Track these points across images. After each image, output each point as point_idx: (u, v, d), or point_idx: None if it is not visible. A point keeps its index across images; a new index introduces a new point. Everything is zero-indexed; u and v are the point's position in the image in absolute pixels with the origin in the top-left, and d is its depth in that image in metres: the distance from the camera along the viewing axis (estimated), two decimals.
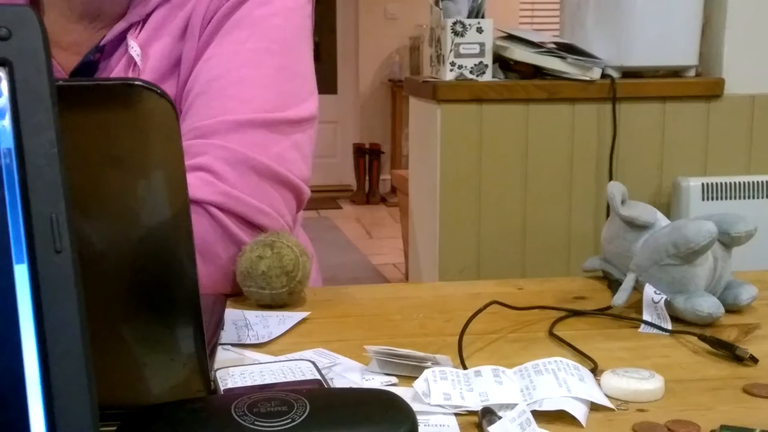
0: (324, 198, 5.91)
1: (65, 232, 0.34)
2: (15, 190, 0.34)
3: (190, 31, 0.83)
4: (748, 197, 2.13)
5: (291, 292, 0.75)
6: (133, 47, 0.82)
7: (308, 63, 0.88)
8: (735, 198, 2.12)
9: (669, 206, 2.14)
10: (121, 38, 0.84)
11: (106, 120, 0.43)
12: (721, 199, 2.11)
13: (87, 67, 0.84)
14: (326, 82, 6.07)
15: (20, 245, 0.34)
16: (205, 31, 0.83)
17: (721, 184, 2.11)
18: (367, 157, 6.10)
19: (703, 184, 2.10)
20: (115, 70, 0.83)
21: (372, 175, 6.12)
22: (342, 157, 6.36)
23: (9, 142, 0.34)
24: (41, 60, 0.35)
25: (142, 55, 0.82)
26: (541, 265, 2.12)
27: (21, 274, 0.33)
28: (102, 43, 0.84)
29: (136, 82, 0.42)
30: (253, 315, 0.72)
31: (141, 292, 0.48)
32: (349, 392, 0.54)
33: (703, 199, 2.10)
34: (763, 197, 2.13)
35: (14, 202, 0.34)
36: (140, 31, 0.83)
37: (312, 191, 0.86)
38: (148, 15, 0.83)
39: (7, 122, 0.34)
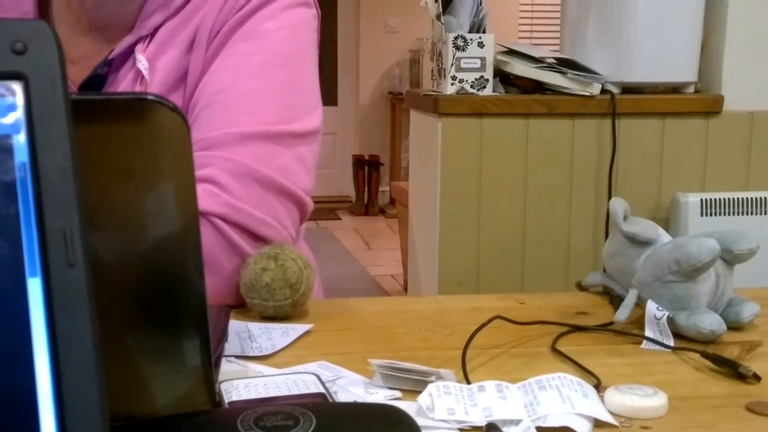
0: (323, 209, 5.91)
1: (78, 246, 0.34)
2: (29, 203, 0.34)
3: (197, 43, 0.84)
4: (747, 213, 2.13)
5: (294, 304, 0.75)
6: (141, 61, 0.82)
7: (313, 77, 0.89)
8: (733, 214, 2.12)
9: (667, 222, 2.15)
10: (129, 51, 0.84)
11: (118, 134, 0.43)
12: (720, 215, 2.11)
13: (95, 81, 0.85)
14: (327, 93, 6.03)
15: (33, 259, 0.34)
16: (212, 44, 0.83)
17: (720, 200, 2.12)
18: (366, 168, 6.11)
19: (701, 199, 2.11)
20: (123, 83, 0.84)
21: (371, 186, 6.12)
22: (341, 169, 6.37)
23: (24, 155, 0.34)
24: (56, 74, 0.35)
25: (150, 68, 0.83)
26: (540, 278, 2.12)
27: (34, 287, 0.33)
28: (110, 56, 0.84)
29: (148, 97, 0.43)
30: (256, 327, 0.72)
31: (149, 305, 0.48)
32: (354, 406, 0.54)
33: (701, 215, 2.11)
34: (761, 213, 2.13)
35: (28, 216, 0.34)
36: (148, 44, 0.84)
37: None
38: (156, 29, 0.84)
39: (22, 136, 0.35)
